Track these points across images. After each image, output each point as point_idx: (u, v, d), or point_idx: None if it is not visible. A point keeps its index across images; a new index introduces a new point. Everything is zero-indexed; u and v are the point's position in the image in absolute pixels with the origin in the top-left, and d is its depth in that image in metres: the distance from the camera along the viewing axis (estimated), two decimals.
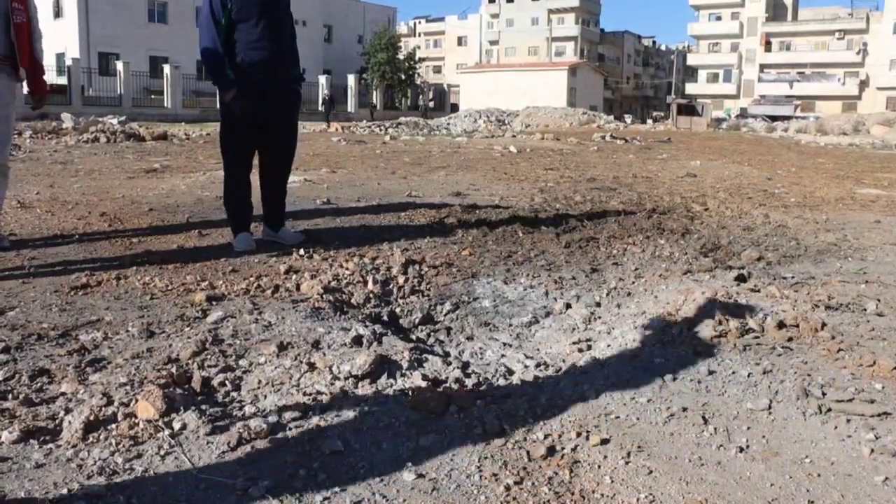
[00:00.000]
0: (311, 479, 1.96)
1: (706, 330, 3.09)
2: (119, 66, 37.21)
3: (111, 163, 8.67)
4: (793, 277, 4.13)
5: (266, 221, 4.87)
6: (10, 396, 2.39)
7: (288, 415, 2.31)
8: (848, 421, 2.36)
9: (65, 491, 1.84)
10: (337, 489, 1.92)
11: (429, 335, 3.60)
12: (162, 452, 2.06)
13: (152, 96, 39.26)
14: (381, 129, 17.59)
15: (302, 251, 4.48)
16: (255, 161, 4.76)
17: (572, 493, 1.95)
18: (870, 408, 2.42)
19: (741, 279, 4.01)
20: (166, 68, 38.02)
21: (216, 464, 2.02)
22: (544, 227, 5.69)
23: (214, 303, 3.42)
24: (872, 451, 2.18)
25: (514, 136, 16.87)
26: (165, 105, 37.41)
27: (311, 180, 8.02)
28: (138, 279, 3.76)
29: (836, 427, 2.33)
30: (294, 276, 3.91)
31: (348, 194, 6.99)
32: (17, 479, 1.91)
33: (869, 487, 1.99)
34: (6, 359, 2.67)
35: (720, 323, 3.13)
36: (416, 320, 3.73)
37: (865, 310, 3.52)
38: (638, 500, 1.91)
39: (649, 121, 50.00)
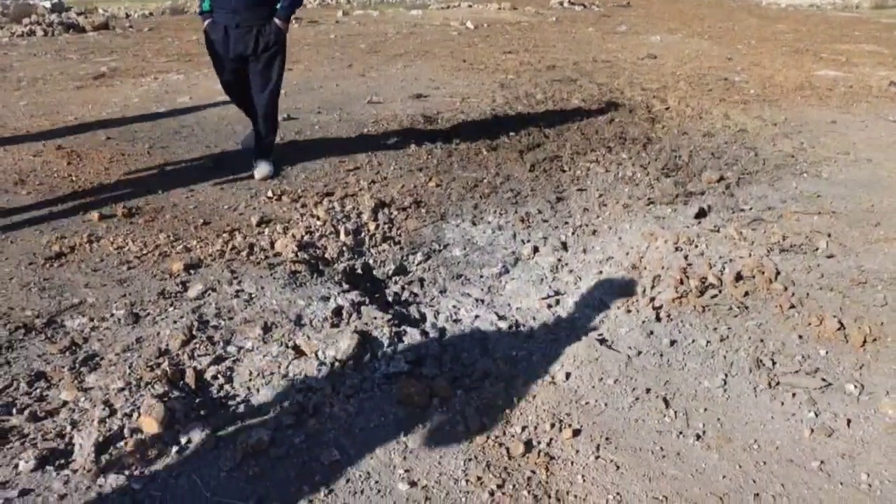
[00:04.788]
0: (315, 495, 2.16)
1: (668, 291, 3.28)
2: None
3: (54, 67, 8.23)
4: (751, 209, 4.31)
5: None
6: (14, 410, 2.49)
7: (285, 419, 2.47)
8: (794, 395, 2.62)
9: None
10: None
11: (403, 288, 3.74)
12: (174, 473, 2.22)
13: None
14: (334, 1, 16.76)
15: (270, 192, 4.49)
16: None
17: (549, 496, 2.18)
18: (813, 381, 2.68)
19: (701, 214, 4.18)
20: None
21: (226, 483, 2.19)
22: (507, 142, 5.72)
23: (192, 272, 3.48)
24: (812, 430, 2.44)
25: (470, 7, 16.23)
26: None
27: None
28: (111, 241, 3.77)
29: (782, 403, 2.58)
30: (266, 230, 3.95)
31: (308, 103, 6.84)
32: None
33: (806, 474, 2.26)
34: (0, 361, 2.75)
35: (681, 282, 3.32)
36: (390, 272, 3.86)
37: (817, 249, 3.73)
38: (607, 501, 2.16)
39: None
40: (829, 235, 3.90)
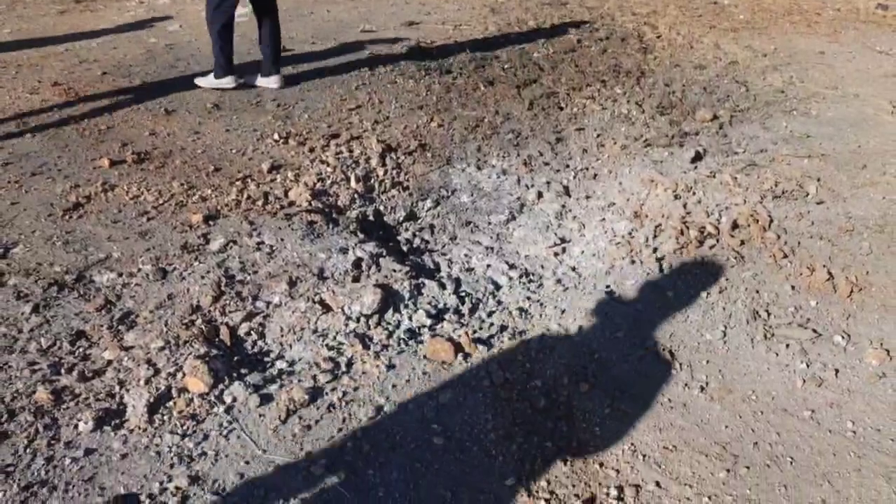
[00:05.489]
0: (358, 451, 2.36)
1: (669, 242, 3.45)
2: None
3: None
4: (744, 152, 4.45)
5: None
6: (62, 370, 2.64)
7: (321, 377, 2.65)
8: (787, 346, 2.85)
9: (156, 485, 2.21)
10: (381, 460, 2.34)
11: (414, 235, 3.88)
12: (224, 432, 2.41)
13: None
14: None
15: (276, 135, 4.53)
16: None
17: (571, 446, 2.41)
18: (805, 332, 2.91)
19: (697, 158, 4.32)
20: None
21: (273, 439, 2.39)
22: (503, 76, 5.75)
23: (211, 223, 3.57)
24: (804, 381, 2.69)
25: None
26: None
27: None
28: (125, 190, 3.83)
29: (777, 355, 2.81)
30: (279, 177, 4.03)
31: (301, 32, 6.74)
32: (110, 472, 2.25)
33: (799, 423, 2.51)
34: (39, 321, 2.87)
35: (682, 233, 3.50)
36: (401, 218, 3.99)
37: (808, 195, 3.91)
38: (623, 451, 2.40)
39: None
40: (819, 180, 4.08)
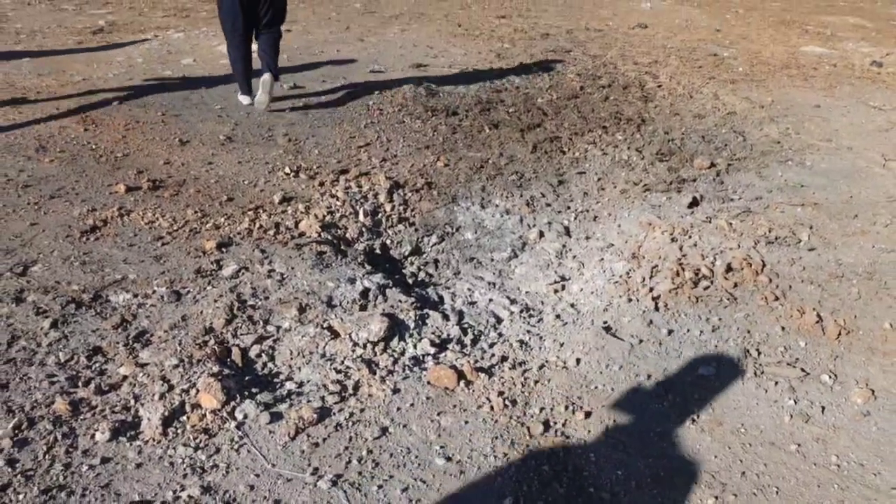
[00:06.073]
0: (364, 468, 2.46)
1: (665, 282, 3.59)
2: None
3: (51, 18, 8.22)
4: (739, 199, 4.62)
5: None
6: (80, 383, 2.75)
7: (329, 398, 2.75)
8: (776, 384, 2.96)
9: (170, 494, 2.30)
10: (386, 477, 2.43)
11: (419, 269, 4.01)
12: (235, 446, 2.51)
13: None
14: None
15: (287, 168, 4.69)
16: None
17: (567, 472, 2.51)
18: (793, 371, 3.02)
19: (694, 203, 4.48)
20: None
21: (283, 455, 2.49)
22: (508, 119, 5.95)
23: (224, 250, 3.71)
24: (791, 416, 2.79)
25: None
26: None
27: None
28: (140, 216, 3.97)
29: (766, 391, 2.93)
30: (289, 209, 4.18)
31: (311, 71, 6.97)
32: (125, 480, 2.34)
33: (785, 456, 2.61)
34: (58, 336, 2.99)
35: (677, 273, 3.63)
36: (406, 252, 4.12)
37: (800, 242, 4.06)
38: (616, 476, 2.50)
39: None
40: (811, 228, 4.23)
